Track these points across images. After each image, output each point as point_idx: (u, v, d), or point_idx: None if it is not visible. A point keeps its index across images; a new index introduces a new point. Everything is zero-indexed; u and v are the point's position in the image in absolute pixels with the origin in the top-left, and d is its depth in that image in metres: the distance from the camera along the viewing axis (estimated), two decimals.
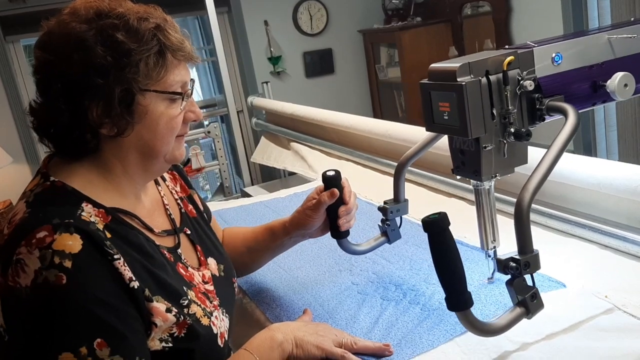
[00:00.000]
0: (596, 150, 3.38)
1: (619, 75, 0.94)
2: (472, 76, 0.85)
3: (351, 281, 1.24)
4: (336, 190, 1.12)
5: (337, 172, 1.13)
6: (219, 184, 3.67)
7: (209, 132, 3.33)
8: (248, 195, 2.82)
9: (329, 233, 1.17)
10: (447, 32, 4.29)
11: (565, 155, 1.32)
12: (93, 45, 0.83)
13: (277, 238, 1.21)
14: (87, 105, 0.84)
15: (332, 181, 1.12)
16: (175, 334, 0.87)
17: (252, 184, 3.28)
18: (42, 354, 0.76)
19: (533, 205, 1.34)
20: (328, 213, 1.14)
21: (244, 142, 3.30)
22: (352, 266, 1.31)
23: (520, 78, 0.88)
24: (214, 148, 3.48)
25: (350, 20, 4.70)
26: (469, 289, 1.02)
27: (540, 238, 1.29)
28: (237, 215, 1.84)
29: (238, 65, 4.49)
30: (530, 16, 3.67)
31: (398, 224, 1.22)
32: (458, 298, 0.79)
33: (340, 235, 1.15)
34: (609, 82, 0.94)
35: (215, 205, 2.02)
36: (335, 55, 4.72)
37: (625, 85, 0.94)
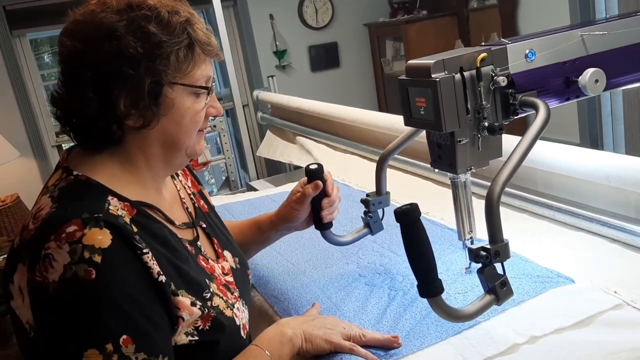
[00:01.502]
0: (603, 143, 3.37)
1: (589, 71, 0.96)
2: (446, 72, 0.89)
3: (358, 273, 1.24)
4: (320, 182, 1.15)
5: (320, 165, 1.17)
6: (224, 178, 3.67)
7: (214, 126, 3.33)
8: (254, 189, 2.82)
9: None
10: (453, 25, 4.27)
11: (573, 148, 1.34)
12: (125, 35, 0.83)
13: (264, 232, 1.24)
14: (117, 95, 0.84)
15: (315, 174, 1.16)
16: (200, 327, 0.87)
17: (258, 178, 3.29)
18: (68, 350, 0.75)
19: (541, 199, 1.35)
20: (312, 205, 1.18)
21: (249, 136, 3.30)
22: (359, 259, 1.32)
23: (494, 74, 0.91)
24: (219, 142, 3.49)
25: (356, 14, 4.68)
26: (453, 275, 1.01)
27: (548, 231, 1.30)
28: (243, 209, 1.84)
29: (243, 59, 4.48)
30: (537, 9, 3.65)
31: (380, 216, 1.26)
32: (429, 285, 0.84)
33: (323, 227, 1.20)
34: (580, 78, 0.97)
35: (222, 199, 2.02)
36: (341, 49, 4.71)
37: (596, 81, 0.97)
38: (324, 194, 1.16)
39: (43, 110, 3.96)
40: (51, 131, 4.00)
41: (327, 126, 2.53)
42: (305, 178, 1.17)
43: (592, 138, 3.38)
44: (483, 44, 0.96)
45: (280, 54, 4.50)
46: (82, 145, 0.90)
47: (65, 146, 4.03)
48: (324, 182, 1.16)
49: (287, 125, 2.94)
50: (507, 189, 1.35)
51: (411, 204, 0.83)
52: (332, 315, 1.07)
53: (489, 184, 1.37)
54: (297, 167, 2.94)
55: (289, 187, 2.10)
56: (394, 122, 2.01)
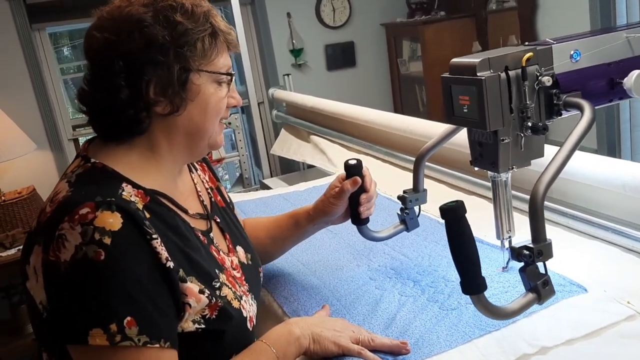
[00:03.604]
0: (620, 150, 3.33)
1: (635, 73, 0.96)
2: (491, 71, 0.89)
3: (369, 276, 1.24)
4: (358, 178, 1.16)
5: (359, 161, 1.17)
6: (238, 174, 3.68)
7: (229, 123, 3.34)
8: (267, 187, 2.83)
9: (350, 220, 1.22)
10: (471, 27, 4.24)
11: (589, 155, 1.33)
12: (153, 25, 0.87)
13: (301, 226, 1.25)
14: (147, 82, 0.87)
15: (354, 169, 1.16)
16: (207, 316, 0.89)
17: (272, 176, 3.29)
18: (75, 328, 0.77)
19: (556, 206, 1.34)
20: (350, 200, 1.18)
21: (264, 134, 3.30)
22: (370, 262, 1.31)
23: (538, 74, 0.91)
24: (234, 139, 3.49)
25: (373, 14, 4.66)
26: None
27: (562, 239, 1.28)
28: (256, 207, 1.85)
29: (260, 56, 4.48)
30: (557, 12, 3.61)
31: (417, 213, 1.26)
32: (472, 282, 0.83)
33: (361, 222, 1.20)
34: (625, 79, 0.97)
35: (234, 197, 2.02)
36: (357, 49, 4.69)
37: None
38: (362, 189, 1.17)
39: (61, 103, 3.99)
40: (68, 124, 4.04)
41: (341, 126, 2.53)
42: (344, 173, 1.18)
43: (609, 144, 3.33)
44: (527, 43, 0.97)
45: (296, 52, 4.50)
46: (107, 138, 0.93)
47: (81, 139, 4.06)
48: (363, 177, 1.17)
49: (301, 124, 2.94)
50: (521, 195, 1.36)
51: (457, 201, 0.84)
52: (342, 318, 1.07)
53: (516, 193, 1.37)
54: (310, 166, 2.94)
55: (302, 187, 2.10)
56: (408, 124, 2.00)
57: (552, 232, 1.30)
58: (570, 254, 1.20)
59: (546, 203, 1.35)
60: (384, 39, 4.75)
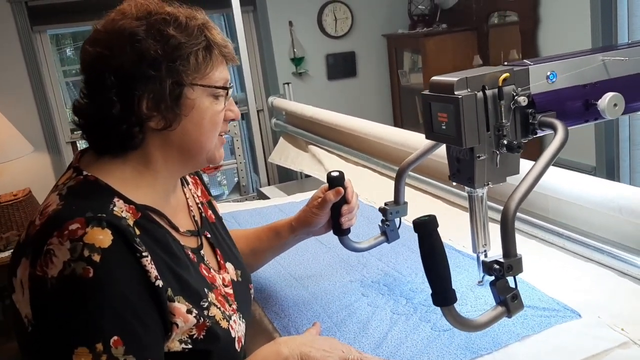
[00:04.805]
0: (619, 168, 3.32)
1: (609, 95, 0.99)
2: (469, 90, 0.92)
3: (361, 292, 1.23)
4: (341, 189, 1.18)
5: (341, 173, 1.20)
6: (236, 180, 3.67)
7: (228, 130, 3.33)
8: (264, 195, 2.82)
9: (332, 231, 1.24)
10: (472, 40, 4.24)
11: (586, 177, 1.32)
12: (145, 39, 0.85)
13: (282, 237, 1.26)
14: (139, 97, 0.86)
15: (336, 181, 1.19)
16: (195, 336, 0.87)
17: (269, 184, 3.28)
18: (58, 347, 0.76)
19: (551, 227, 1.33)
20: (332, 211, 1.20)
21: (262, 142, 3.30)
22: (363, 277, 1.30)
23: (515, 94, 0.94)
24: (232, 146, 3.49)
25: (375, 24, 4.67)
26: (462, 294, 1.03)
27: (556, 260, 1.28)
28: (251, 218, 1.83)
29: (260, 64, 4.48)
30: (558, 28, 3.61)
31: (397, 225, 1.28)
32: (443, 294, 0.85)
33: (342, 232, 1.22)
34: (599, 101, 1.00)
35: (230, 207, 2.02)
36: (358, 59, 4.70)
37: (615, 105, 0.99)
38: (344, 200, 1.19)
39: (59, 106, 3.99)
40: (66, 127, 4.03)
41: (340, 137, 2.52)
42: (327, 184, 1.20)
43: (608, 161, 3.33)
44: (506, 63, 1.00)
45: (297, 61, 4.50)
46: (101, 151, 0.91)
47: (79, 143, 4.05)
48: (345, 189, 1.19)
49: (300, 133, 2.94)
50: (518, 214, 1.35)
51: (429, 216, 0.86)
52: (332, 336, 1.06)
53: (498, 206, 1.37)
54: (308, 176, 2.93)
55: (299, 197, 2.09)
56: (407, 138, 1.99)
57: (547, 253, 1.31)
58: (565, 277, 1.19)
59: (542, 223, 1.35)
60: (385, 50, 4.76)
